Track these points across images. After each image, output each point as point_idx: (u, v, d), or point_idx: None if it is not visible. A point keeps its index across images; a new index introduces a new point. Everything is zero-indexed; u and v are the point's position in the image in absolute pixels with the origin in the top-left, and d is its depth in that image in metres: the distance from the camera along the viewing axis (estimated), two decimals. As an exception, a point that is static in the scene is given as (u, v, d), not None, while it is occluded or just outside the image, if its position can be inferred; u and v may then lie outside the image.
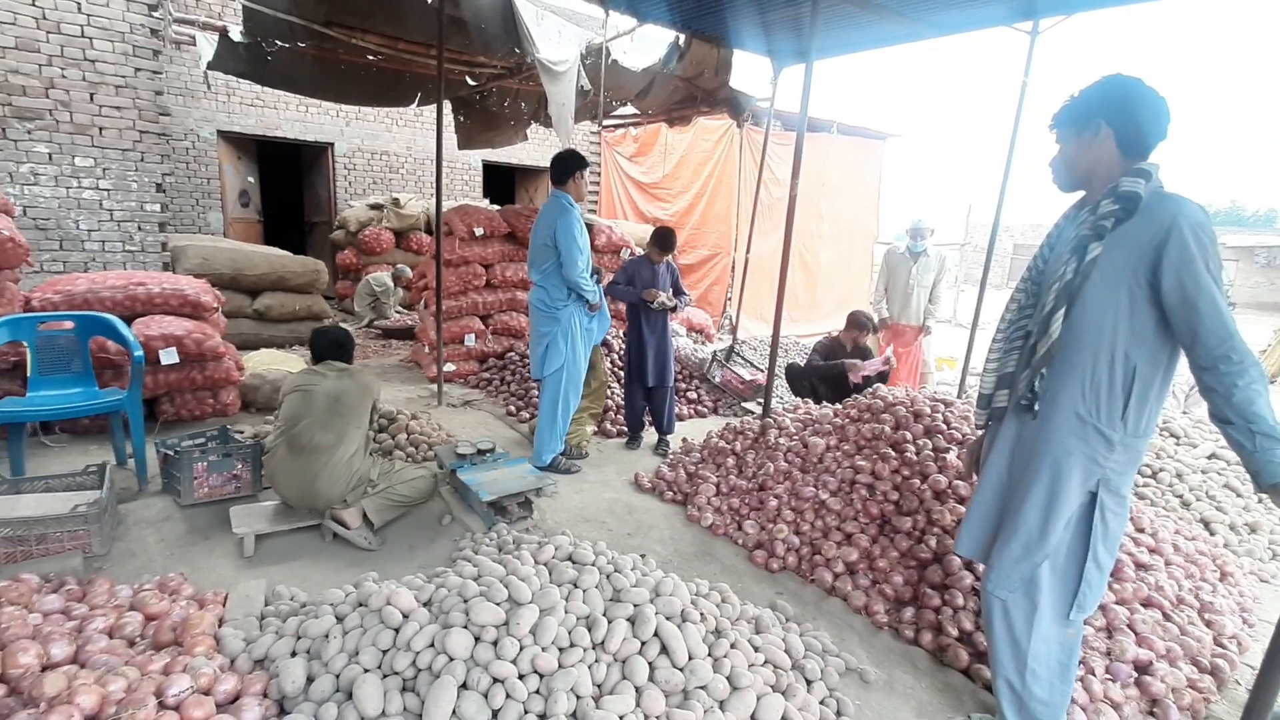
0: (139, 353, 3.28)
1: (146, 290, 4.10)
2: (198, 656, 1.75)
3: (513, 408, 4.91)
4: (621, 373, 5.02)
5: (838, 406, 3.58)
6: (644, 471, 3.84)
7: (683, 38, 5.52)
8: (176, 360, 3.94)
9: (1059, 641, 1.80)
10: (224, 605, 2.27)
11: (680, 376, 5.54)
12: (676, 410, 5.07)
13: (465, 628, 1.75)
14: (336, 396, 2.84)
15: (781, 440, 3.50)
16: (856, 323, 4.82)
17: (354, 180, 9.59)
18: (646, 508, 3.46)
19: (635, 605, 1.93)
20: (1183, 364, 4.72)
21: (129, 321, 4.00)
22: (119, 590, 2.25)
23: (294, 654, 1.85)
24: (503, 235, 5.96)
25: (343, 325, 3.17)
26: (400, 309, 8.16)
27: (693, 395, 5.41)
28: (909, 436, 3.01)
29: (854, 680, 2.20)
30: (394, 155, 9.92)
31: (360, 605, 1.98)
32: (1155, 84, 1.62)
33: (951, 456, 2.86)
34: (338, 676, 1.72)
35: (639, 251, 6.59)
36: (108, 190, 5.25)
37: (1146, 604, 2.42)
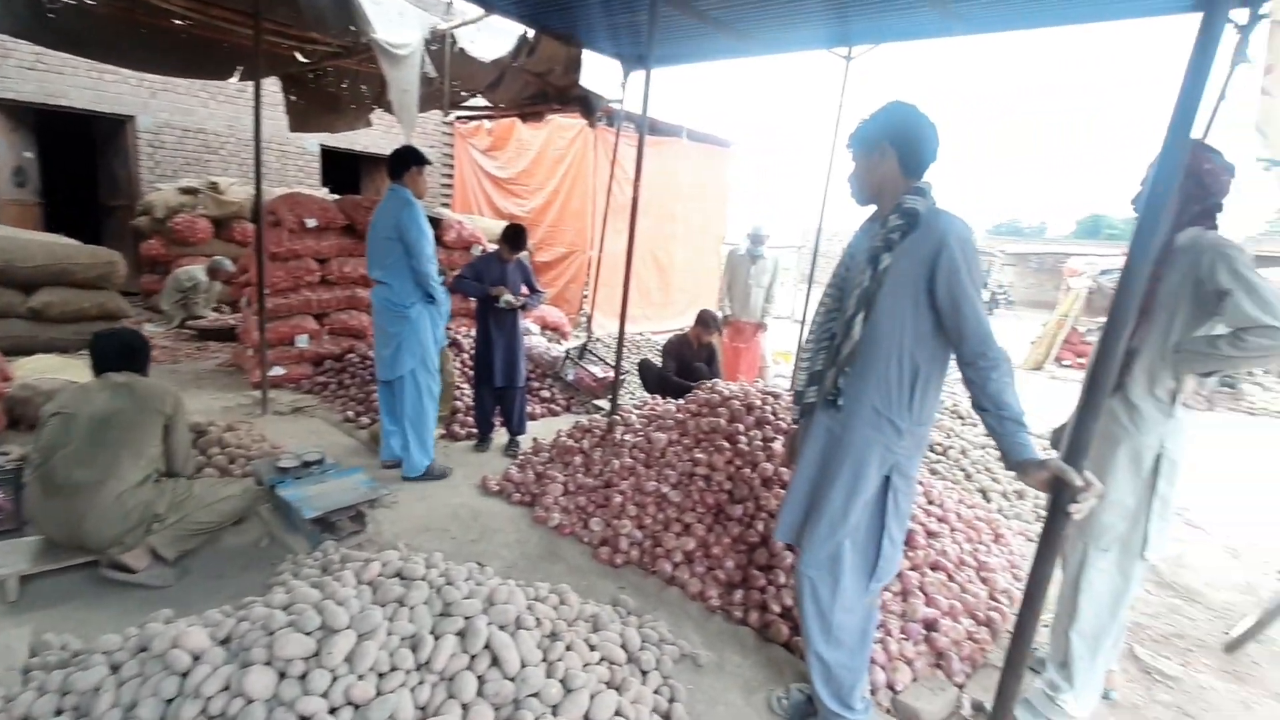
0: None
1: None
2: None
3: (351, 413, 4.58)
4: (471, 373, 4.86)
5: (680, 402, 3.73)
6: (492, 474, 3.75)
7: (531, 32, 5.43)
8: (-95, 371, 3.23)
9: (860, 611, 1.99)
10: (-36, 666, 1.90)
11: (533, 375, 5.47)
12: (529, 410, 5.01)
13: (268, 664, 1.60)
14: (105, 420, 2.43)
15: (627, 437, 3.58)
16: (702, 321, 5.04)
17: (162, 160, 8.43)
18: (493, 511, 3.38)
19: (466, 618, 1.87)
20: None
21: None
22: None
23: (59, 712, 1.59)
24: (340, 228, 5.53)
25: (134, 327, 2.74)
26: (222, 306, 7.31)
27: (545, 394, 5.38)
28: (742, 428, 3.20)
29: (688, 665, 2.30)
30: (212, 134, 8.85)
31: (142, 650, 1.74)
32: (932, 112, 1.82)
33: (778, 445, 3.07)
34: (109, 736, 1.50)
35: (492, 248, 6.43)
36: None
37: (934, 568, 2.76)
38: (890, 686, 2.23)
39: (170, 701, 1.57)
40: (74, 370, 4.22)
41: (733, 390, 3.56)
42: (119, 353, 2.60)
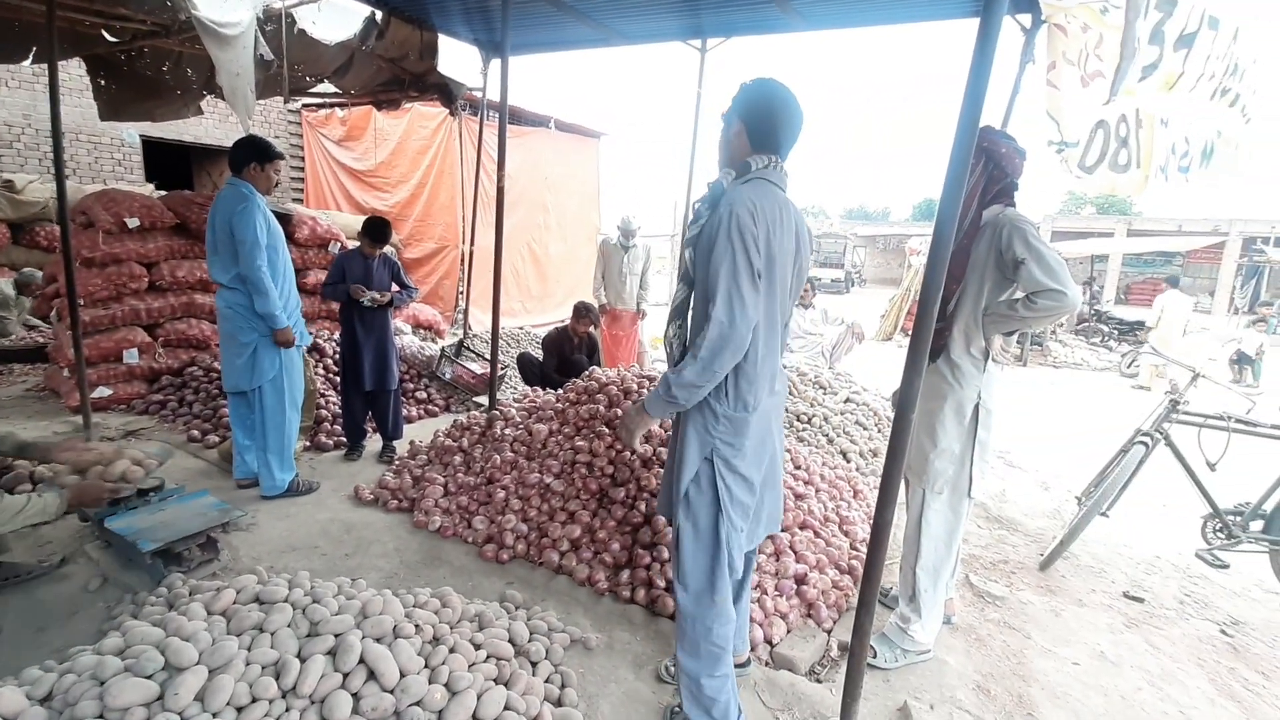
0: None
1: None
2: None
3: (196, 432, 4.14)
4: (337, 379, 4.56)
5: (559, 391, 3.72)
6: (365, 483, 3.55)
7: (379, 14, 5.13)
8: None
9: (706, 604, 1.89)
10: None
11: (408, 377, 5.24)
12: (405, 413, 4.79)
13: (100, 717, 1.43)
14: None
15: (508, 431, 3.53)
16: (579, 312, 5.05)
17: (-66, 154, 7.12)
18: (367, 522, 3.21)
19: (336, 635, 1.77)
20: (827, 329, 5.71)
21: None
22: None
23: None
24: (169, 228, 4.96)
25: None
26: (33, 321, 6.32)
27: (422, 395, 5.17)
28: (619, 413, 3.26)
29: (578, 650, 2.32)
30: (4, 125, 7.60)
31: (-65, 725, 1.49)
32: (798, 91, 1.85)
33: (654, 426, 3.16)
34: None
35: (352, 245, 6.04)
36: None
37: (802, 526, 2.98)
38: (768, 640, 2.38)
39: (-24, 777, 1.36)
40: None
41: (610, 376, 3.61)
42: None
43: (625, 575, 2.66)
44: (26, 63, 5.31)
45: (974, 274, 2.25)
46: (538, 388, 4.53)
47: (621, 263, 5.83)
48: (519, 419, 3.62)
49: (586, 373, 3.68)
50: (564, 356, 5.10)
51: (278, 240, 3.35)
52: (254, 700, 1.55)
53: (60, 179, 3.92)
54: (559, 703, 2.03)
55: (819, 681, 2.29)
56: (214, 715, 1.49)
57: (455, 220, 8.40)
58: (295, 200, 9.80)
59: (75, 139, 8.16)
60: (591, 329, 5.12)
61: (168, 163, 9.79)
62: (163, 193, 5.57)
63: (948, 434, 2.31)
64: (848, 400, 4.64)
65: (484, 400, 4.90)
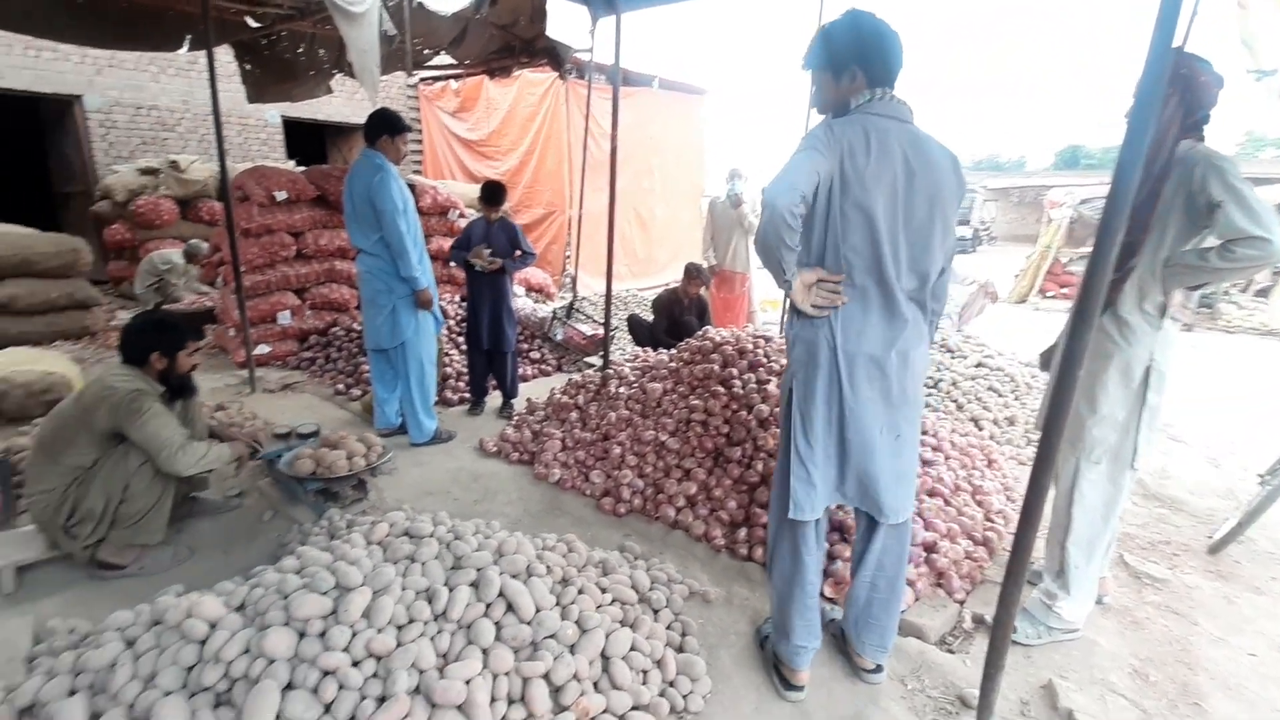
0: None
1: None
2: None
3: (341, 386, 4.54)
4: (461, 339, 4.82)
5: (673, 351, 3.72)
6: (488, 437, 3.75)
7: (492, -19, 5.22)
8: (-125, 371, 3.14)
9: (784, 549, 1.97)
10: (-24, 654, 1.89)
11: (522, 337, 5.44)
12: (521, 372, 5.00)
13: (286, 625, 1.61)
14: (54, 417, 2.43)
15: (622, 389, 3.58)
16: (689, 274, 5.01)
17: (115, 141, 8.10)
18: (493, 472, 3.40)
19: (478, 569, 1.89)
20: (956, 289, 5.35)
21: None
22: None
23: (73, 693, 1.60)
24: (311, 200, 5.39)
25: (146, 315, 2.61)
26: (201, 288, 7.13)
27: (536, 355, 5.36)
28: (735, 373, 3.21)
29: (697, 602, 2.35)
30: (166, 110, 8.50)
31: (156, 624, 1.75)
32: (894, 21, 1.76)
33: (771, 387, 3.09)
34: (131, 706, 1.51)
35: (469, 213, 6.30)
36: None
37: (931, 494, 2.83)
38: (894, 607, 2.30)
39: (191, 669, 1.58)
40: (49, 362, 4.12)
41: (724, 336, 3.56)
42: (122, 345, 2.51)
43: (742, 533, 2.65)
44: (182, 50, 5.87)
45: (1158, 219, 1.98)
46: (648, 349, 4.56)
47: (730, 222, 5.69)
48: (633, 378, 3.67)
49: (700, 333, 3.65)
50: (674, 318, 5.09)
51: (410, 207, 3.54)
52: (410, 621, 1.69)
53: (222, 157, 4.33)
54: (681, 649, 2.07)
55: (950, 652, 2.19)
56: (378, 630, 1.63)
57: (562, 185, 8.54)
58: (415, 172, 10.33)
59: (226, 121, 8.91)
60: (702, 291, 5.07)
61: (304, 140, 10.60)
62: (302, 168, 6.03)
63: (1110, 398, 2.08)
64: (979, 365, 4.33)
65: (595, 361, 5.01)
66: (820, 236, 1.77)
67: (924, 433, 3.22)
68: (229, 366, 5.05)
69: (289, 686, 1.52)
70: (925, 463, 2.98)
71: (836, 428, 1.80)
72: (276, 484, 3.04)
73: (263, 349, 4.99)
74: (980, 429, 3.81)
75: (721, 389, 3.16)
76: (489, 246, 4.04)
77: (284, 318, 5.10)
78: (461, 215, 6.17)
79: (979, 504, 2.94)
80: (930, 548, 2.53)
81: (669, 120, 9.67)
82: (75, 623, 2.11)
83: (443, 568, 1.89)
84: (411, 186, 5.93)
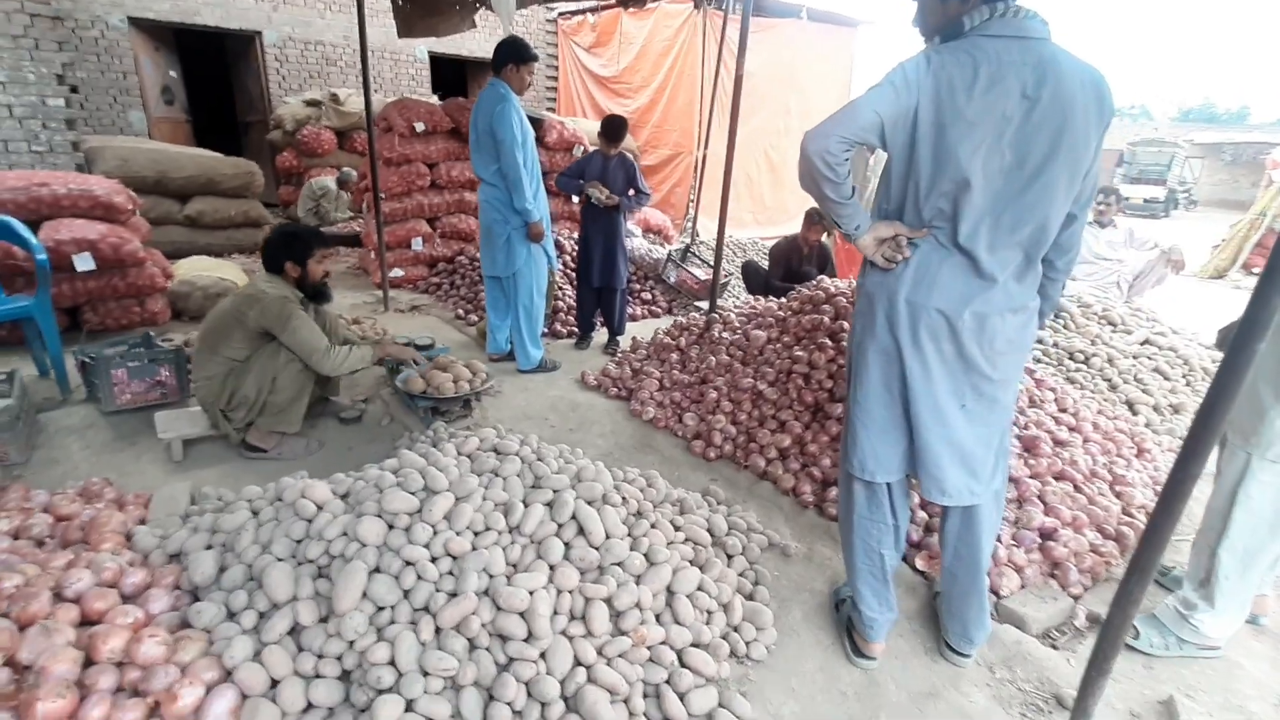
0: (42, 256, 3.09)
1: (51, 191, 3.81)
2: (103, 552, 1.74)
3: (461, 311, 4.81)
4: (574, 273, 4.91)
5: (782, 300, 3.55)
6: (591, 370, 3.82)
7: (631, -99, 5.01)
8: (93, 266, 3.73)
9: (844, 502, 1.89)
10: (146, 507, 2.25)
11: (635, 278, 5.44)
12: (630, 311, 5.02)
13: (378, 515, 1.75)
14: (214, 315, 2.74)
15: (725, 334, 3.49)
16: (811, 219, 4.72)
17: (287, 74, 8.87)
18: (590, 404, 3.47)
19: (555, 490, 1.94)
20: (1130, 254, 4.65)
21: (36, 226, 3.74)
22: (36, 495, 2.21)
23: (209, 547, 1.85)
24: (446, 131, 5.62)
25: (285, 224, 2.90)
26: (350, 212, 7.79)
27: (647, 296, 5.35)
28: (846, 326, 3.00)
29: (775, 554, 2.29)
30: (330, 45, 9.15)
31: (277, 500, 1.97)
32: None
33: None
34: (250, 566, 1.72)
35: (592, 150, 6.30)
36: (2, 83, 4.76)
37: (1059, 477, 2.52)
38: (994, 590, 2.10)
39: (299, 542, 1.76)
40: (225, 270, 4.69)
41: (839, 287, 3.34)
42: (265, 253, 2.79)
43: (834, 492, 2.52)
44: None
45: None
46: (760, 297, 4.38)
47: (868, 165, 5.26)
48: (737, 324, 3.55)
49: (814, 282, 3.44)
50: (791, 267, 4.85)
51: (530, 139, 3.57)
52: (486, 529, 1.77)
53: (366, 89, 4.59)
54: (751, 597, 2.03)
55: (1054, 648, 1.98)
56: (456, 533, 1.73)
57: (691, 125, 8.28)
58: (549, 108, 10.48)
59: (380, 57, 9.54)
60: (824, 238, 4.76)
61: (448, 75, 11.04)
62: (441, 101, 6.28)
63: (1306, 385, 1.71)
64: (1146, 342, 3.75)
65: (705, 305, 4.91)
66: (900, 185, 1.58)
67: (1061, 410, 2.87)
68: (368, 286, 5.50)
69: (376, 570, 1.66)
70: (1058, 442, 2.65)
71: (899, 386, 1.64)
72: (396, 395, 3.29)
73: (397, 272, 5.37)
74: (1135, 413, 3.33)
75: (829, 342, 2.98)
76: (605, 184, 4.01)
77: (416, 244, 5.45)
78: (586, 152, 6.18)
79: (1117, 495, 2.59)
80: (1048, 534, 2.27)
81: (814, 55, 8.99)
82: (223, 491, 2.44)
83: (522, 485, 1.96)
84: (539, 121, 6.03)
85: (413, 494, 1.82)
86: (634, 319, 5.03)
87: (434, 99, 8.58)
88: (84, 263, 3.70)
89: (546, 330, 4.55)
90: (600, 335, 4.52)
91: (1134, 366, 3.57)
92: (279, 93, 8.76)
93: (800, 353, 3.01)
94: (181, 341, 3.55)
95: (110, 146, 5.65)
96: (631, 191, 4.13)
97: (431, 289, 5.37)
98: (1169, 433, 3.27)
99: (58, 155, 5.06)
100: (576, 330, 4.51)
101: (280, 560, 1.71)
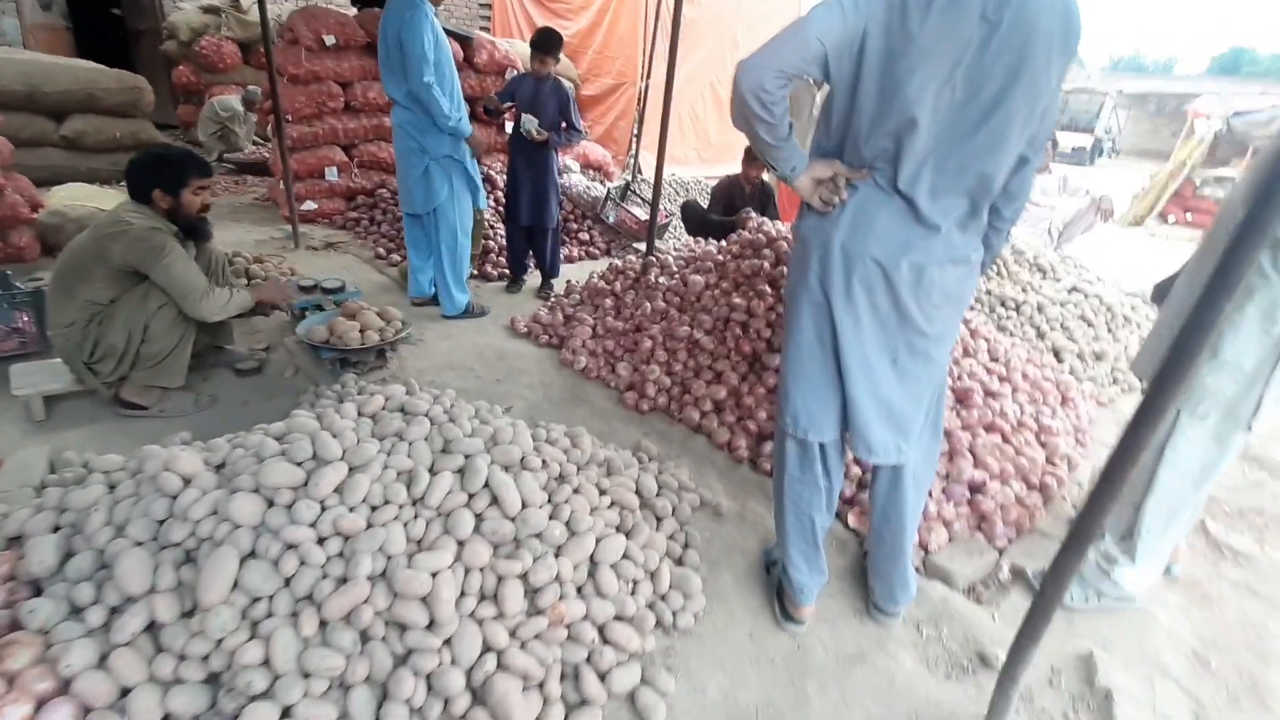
0: None
1: None
2: (-83, 539, 1.47)
3: (382, 250, 4.44)
4: (504, 210, 4.58)
5: (722, 244, 3.37)
6: (521, 316, 3.59)
7: None
8: (-68, 193, 3.19)
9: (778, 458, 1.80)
10: (-7, 477, 1.95)
11: (572, 217, 5.15)
12: (566, 252, 4.76)
13: (255, 491, 1.53)
14: (70, 250, 2.36)
15: (662, 279, 3.31)
16: (751, 155, 4.50)
17: (180, -25, 7.82)
18: (519, 352, 3.26)
19: (466, 456, 1.75)
20: (1062, 201, 4.64)
21: None
22: None
23: (57, 529, 1.60)
24: (362, 46, 5.06)
25: (164, 146, 2.47)
26: (257, 139, 7.07)
27: (585, 236, 5.08)
28: (787, 271, 2.87)
29: (707, 514, 2.20)
30: (229, -56, 8.07)
31: (138, 473, 1.71)
32: None
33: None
34: (101, 552, 1.49)
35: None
36: None
37: (989, 429, 2.51)
38: (923, 546, 2.08)
39: (162, 523, 1.53)
40: (105, 199, 4.15)
41: (780, 230, 3.18)
42: (129, 176, 2.39)
43: (769, 447, 2.43)
44: None
45: None
46: (699, 239, 4.19)
47: (814, 102, 5.04)
48: (675, 268, 3.37)
49: (756, 224, 3.27)
50: (732, 207, 4.66)
51: (444, 56, 3.19)
52: (385, 503, 1.58)
53: (263, -9, 4.03)
54: (680, 561, 1.94)
55: (978, 603, 1.98)
56: (350, 509, 1.54)
57: (635, 54, 7.79)
58: (482, 28, 9.68)
59: (291, -41, 8.49)
60: (765, 176, 4.57)
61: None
62: (355, 10, 5.64)
63: (1240, 343, 1.67)
64: (1073, 290, 3.79)
65: (642, 247, 4.68)
66: (841, 121, 1.42)
67: (993, 359, 2.85)
68: (277, 220, 5.01)
69: (251, 555, 1.45)
70: (988, 393, 2.63)
71: (831, 339, 1.52)
72: (300, 343, 2.99)
73: (309, 205, 4.90)
74: (1060, 361, 3.37)
75: (769, 289, 2.84)
76: (534, 112, 3.66)
77: (331, 174, 4.96)
78: (518, 74, 5.71)
79: (1042, 444, 2.61)
80: (976, 487, 2.26)
81: (762, -17, 8.54)
82: (89, 456, 2.14)
83: (430, 450, 1.77)
84: (467, 39, 5.51)
85: (299, 464, 1.60)
86: (570, 260, 4.78)
87: (351, 10, 7.77)
88: (-81, 189, 3.16)
89: (475, 272, 4.26)
90: (533, 278, 4.26)
91: (1061, 314, 3.61)
92: (170, -3, 7.74)
93: (739, 300, 2.86)
94: (45, 282, 3.11)
95: (-41, 52, 4.84)
96: (564, 125, 3.80)
97: (349, 224, 4.93)
98: (1090, 379, 3.33)
99: (-113, 59, 4.29)
100: (508, 272, 4.23)
101: (138, 545, 1.48)
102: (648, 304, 3.15)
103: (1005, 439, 2.49)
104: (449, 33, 5.30)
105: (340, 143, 5.06)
